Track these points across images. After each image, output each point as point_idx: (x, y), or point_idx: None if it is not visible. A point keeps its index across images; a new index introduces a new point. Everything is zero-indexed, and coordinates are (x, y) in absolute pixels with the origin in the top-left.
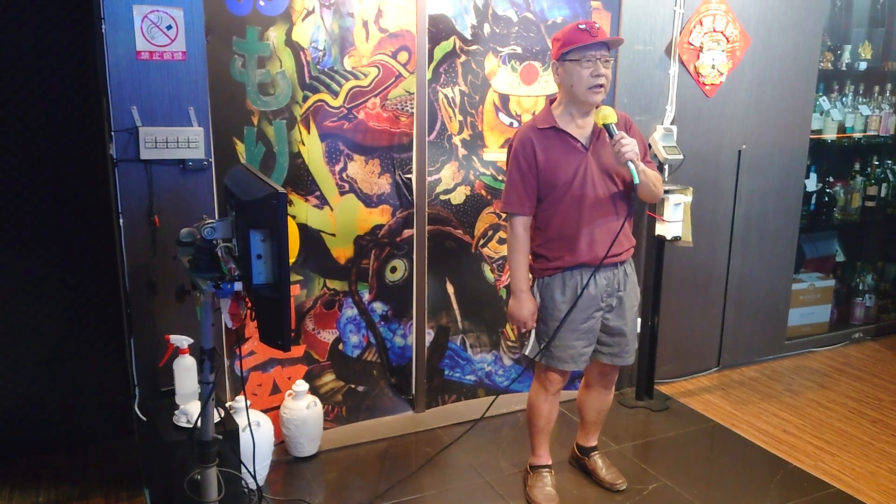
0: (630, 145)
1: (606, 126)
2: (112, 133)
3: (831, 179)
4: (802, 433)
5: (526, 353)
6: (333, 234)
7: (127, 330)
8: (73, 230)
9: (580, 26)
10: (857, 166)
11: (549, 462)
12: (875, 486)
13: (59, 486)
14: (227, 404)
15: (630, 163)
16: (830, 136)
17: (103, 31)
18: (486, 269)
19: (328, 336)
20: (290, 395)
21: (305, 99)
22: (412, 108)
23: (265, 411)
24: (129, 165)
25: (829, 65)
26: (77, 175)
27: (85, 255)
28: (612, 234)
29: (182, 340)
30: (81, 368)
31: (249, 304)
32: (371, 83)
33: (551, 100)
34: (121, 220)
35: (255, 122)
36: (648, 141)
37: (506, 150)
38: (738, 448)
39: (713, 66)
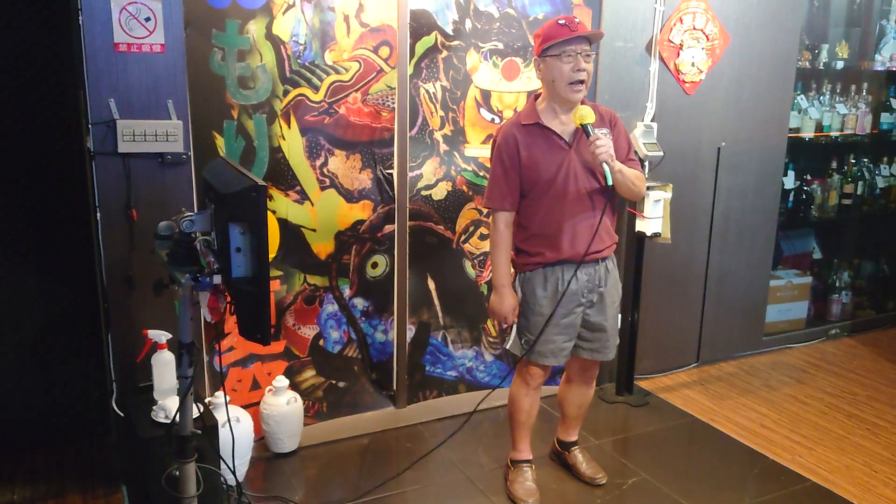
0: (605, 147)
1: (583, 126)
2: (89, 126)
3: (809, 177)
4: (779, 427)
5: (507, 347)
6: (314, 230)
7: (104, 325)
8: (49, 224)
9: (559, 21)
10: (834, 164)
11: (530, 457)
12: (850, 478)
13: (35, 484)
14: (206, 400)
15: (605, 164)
16: (808, 134)
17: (80, 22)
18: (468, 264)
19: (308, 332)
20: (270, 390)
21: (286, 93)
22: (393, 103)
23: (245, 407)
24: (107, 159)
25: (807, 63)
26: (53, 168)
27: (61, 250)
28: (594, 231)
29: (160, 335)
30: (58, 364)
31: (229, 299)
32: (352, 78)
33: (535, 96)
34: (98, 214)
35: (235, 116)
36: None
37: (487, 145)
38: (717, 442)
39: (693, 64)
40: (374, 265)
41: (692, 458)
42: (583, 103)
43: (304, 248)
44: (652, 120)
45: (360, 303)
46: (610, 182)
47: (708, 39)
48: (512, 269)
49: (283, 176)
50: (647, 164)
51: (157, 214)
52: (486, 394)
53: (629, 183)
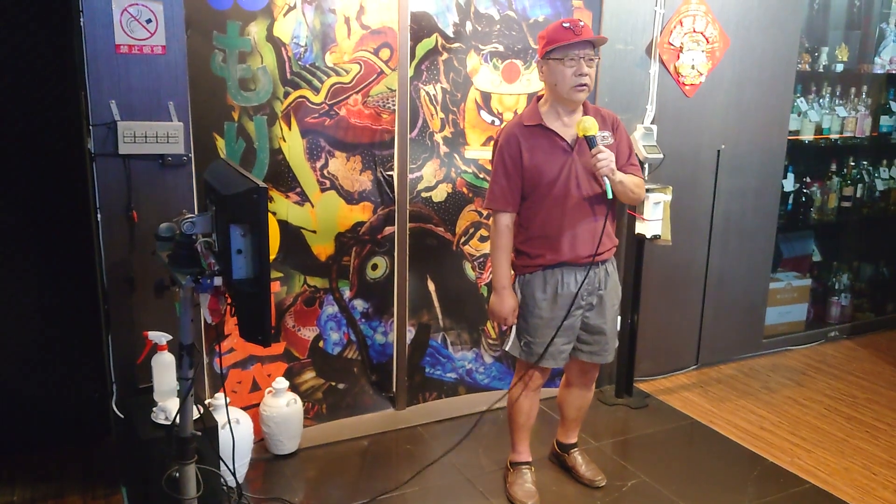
0: (606, 161)
1: (587, 138)
2: (90, 127)
3: (808, 180)
4: (779, 430)
5: (507, 349)
6: (314, 231)
7: (104, 327)
8: (49, 225)
9: (564, 24)
10: (833, 167)
11: (529, 459)
12: (849, 481)
13: (35, 485)
14: (206, 401)
15: (605, 178)
16: (808, 136)
17: (82, 24)
18: (468, 266)
19: (308, 333)
20: (269, 392)
21: (286, 95)
22: (394, 105)
23: (245, 409)
24: (108, 160)
25: (807, 66)
26: (54, 169)
27: (61, 251)
28: (595, 234)
29: (160, 337)
30: (58, 365)
31: (229, 300)
32: (353, 80)
33: (538, 97)
34: (98, 216)
35: (236, 118)
36: None
37: (487, 147)
38: (716, 444)
39: (693, 67)
40: (374, 267)
41: (691, 460)
42: (585, 105)
43: (305, 250)
44: (652, 122)
45: (359, 304)
46: (610, 195)
47: (708, 42)
48: (511, 271)
49: (283, 177)
50: (646, 166)
51: (157, 216)
52: (496, 397)
53: (629, 192)
